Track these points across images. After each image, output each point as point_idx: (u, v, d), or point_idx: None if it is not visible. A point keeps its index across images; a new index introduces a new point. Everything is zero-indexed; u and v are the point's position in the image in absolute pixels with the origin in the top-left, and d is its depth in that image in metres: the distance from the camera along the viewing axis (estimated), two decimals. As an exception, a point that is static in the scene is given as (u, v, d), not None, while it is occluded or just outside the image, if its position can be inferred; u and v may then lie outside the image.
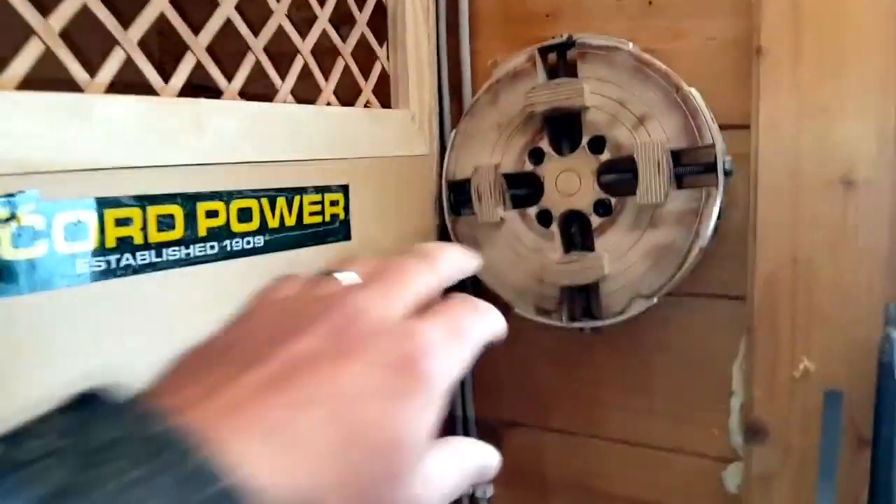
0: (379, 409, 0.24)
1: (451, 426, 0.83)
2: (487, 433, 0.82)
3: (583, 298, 0.69)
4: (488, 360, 0.78)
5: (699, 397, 0.70)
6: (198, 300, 0.49)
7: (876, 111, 0.59)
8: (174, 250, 0.47)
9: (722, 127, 0.65)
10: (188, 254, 0.48)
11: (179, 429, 0.20)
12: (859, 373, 0.61)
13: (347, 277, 0.29)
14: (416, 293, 0.28)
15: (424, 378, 0.25)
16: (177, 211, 0.47)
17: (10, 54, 0.41)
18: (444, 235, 0.76)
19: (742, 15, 0.65)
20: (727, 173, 0.63)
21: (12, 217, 0.39)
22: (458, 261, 0.32)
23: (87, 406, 0.21)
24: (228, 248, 0.51)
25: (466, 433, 0.82)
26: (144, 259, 0.45)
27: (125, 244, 0.44)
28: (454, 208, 0.75)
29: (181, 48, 0.51)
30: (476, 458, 0.29)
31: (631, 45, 0.66)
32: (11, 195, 0.38)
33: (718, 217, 0.63)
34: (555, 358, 0.78)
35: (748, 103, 0.65)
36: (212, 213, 0.50)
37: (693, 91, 0.64)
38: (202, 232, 0.49)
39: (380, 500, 0.24)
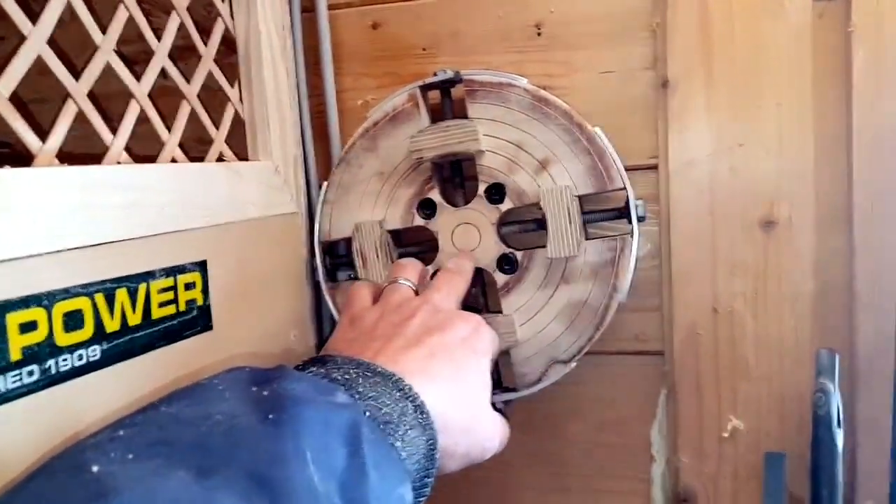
0: (469, 357, 0.47)
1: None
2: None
3: (491, 369, 0.61)
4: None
5: (617, 468, 0.64)
6: (15, 451, 0.34)
7: (795, 145, 0.56)
8: (-26, 389, 0.33)
9: (628, 168, 0.59)
10: (-5, 389, 0.34)
11: (387, 370, 0.41)
12: (792, 429, 0.57)
13: (408, 284, 0.54)
14: (459, 294, 0.54)
15: (485, 339, 0.50)
16: (-26, 331, 0.33)
17: None
18: (318, 306, 0.64)
19: (642, 44, 0.60)
20: (640, 219, 0.57)
21: None
22: (472, 268, 0.57)
23: (321, 361, 0.43)
24: (54, 371, 0.37)
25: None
26: (-74, 410, 0.31)
27: None
28: (331, 273, 0.63)
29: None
30: (507, 427, 0.51)
31: (525, 80, 0.59)
32: None
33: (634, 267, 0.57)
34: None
35: (654, 141, 0.60)
36: (28, 327, 0.36)
37: (598, 130, 0.57)
38: (16, 355, 0.35)
39: (476, 413, 0.46)
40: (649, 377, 0.62)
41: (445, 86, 0.61)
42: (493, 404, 0.50)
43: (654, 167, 0.60)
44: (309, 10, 0.66)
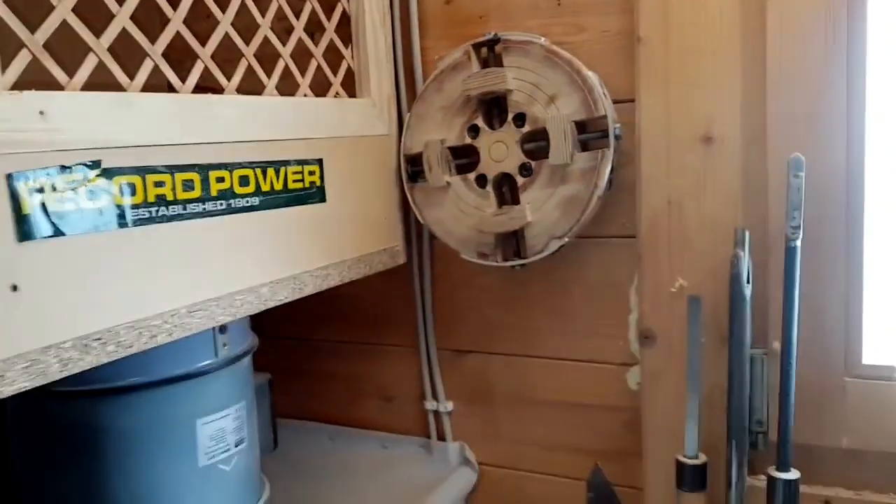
0: None
1: (417, 356, 1.02)
2: (447, 360, 1.00)
3: (512, 242, 0.87)
4: (444, 299, 0.96)
5: (607, 317, 0.89)
6: (212, 243, 0.66)
7: (726, 83, 0.77)
8: (195, 205, 0.65)
9: (615, 101, 0.83)
10: (204, 209, 0.66)
11: None
12: (719, 285, 0.80)
13: None
14: None
15: None
16: (195, 177, 0.65)
17: (75, 66, 0.58)
18: (403, 199, 0.94)
19: (628, 11, 0.83)
20: (617, 137, 0.81)
21: (86, 179, 0.56)
22: None
23: None
24: (233, 206, 0.69)
25: (429, 361, 1.01)
26: (174, 211, 0.63)
27: (161, 200, 0.62)
28: (411, 177, 0.92)
29: (190, 56, 0.68)
30: None
31: (543, 39, 0.84)
32: (86, 164, 0.56)
33: (612, 172, 0.81)
34: (495, 295, 0.96)
35: (633, 82, 0.83)
36: (220, 179, 0.67)
37: (591, 74, 0.82)
38: (214, 193, 0.67)
39: None
40: (630, 253, 0.86)
41: (489, 44, 0.87)
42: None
43: (633, 100, 0.83)
44: (403, -8, 0.94)
